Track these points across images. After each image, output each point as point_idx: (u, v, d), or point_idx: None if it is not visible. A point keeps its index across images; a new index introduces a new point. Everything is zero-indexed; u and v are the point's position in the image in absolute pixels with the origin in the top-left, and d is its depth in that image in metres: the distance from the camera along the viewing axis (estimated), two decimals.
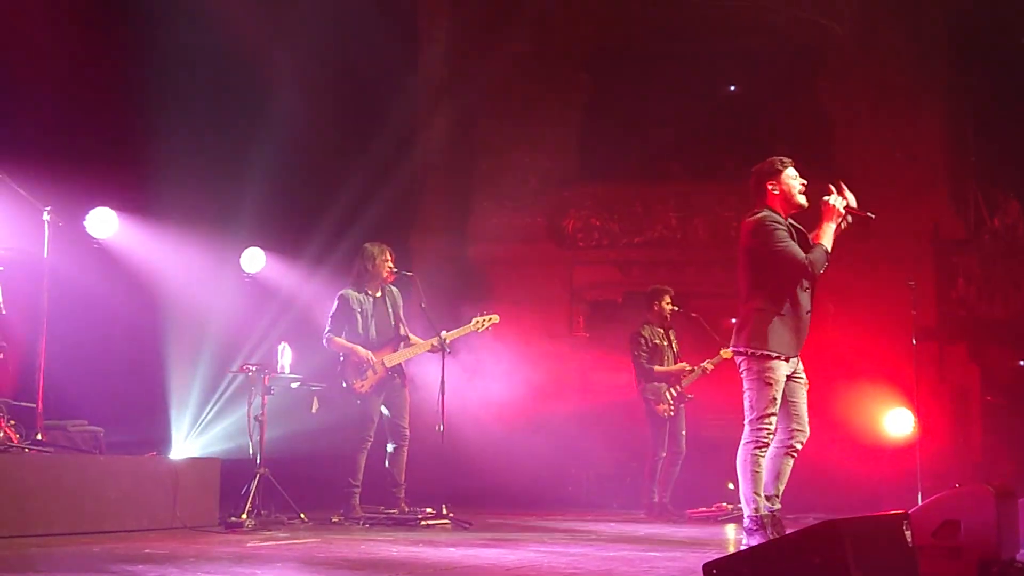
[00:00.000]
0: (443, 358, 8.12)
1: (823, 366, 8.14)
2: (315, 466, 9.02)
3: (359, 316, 8.26)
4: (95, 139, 9.19)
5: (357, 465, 8.15)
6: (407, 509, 8.07)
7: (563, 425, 11.54)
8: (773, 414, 5.64)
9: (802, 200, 5.82)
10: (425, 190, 13.42)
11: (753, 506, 5.61)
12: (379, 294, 8.41)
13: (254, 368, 7.89)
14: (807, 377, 5.88)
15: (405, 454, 8.28)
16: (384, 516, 7.93)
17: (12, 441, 6.76)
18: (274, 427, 8.16)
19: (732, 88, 13.93)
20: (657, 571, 5.12)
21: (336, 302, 8.35)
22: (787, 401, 5.72)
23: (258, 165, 10.67)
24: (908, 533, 4.13)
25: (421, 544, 6.39)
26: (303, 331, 9.17)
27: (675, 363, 9.57)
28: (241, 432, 8.18)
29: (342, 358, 8.25)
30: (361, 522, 7.80)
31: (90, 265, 8.49)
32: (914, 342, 9.11)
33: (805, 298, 5.74)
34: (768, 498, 5.63)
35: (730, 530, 8.21)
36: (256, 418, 7.77)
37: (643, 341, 9.50)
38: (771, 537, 5.32)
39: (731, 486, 8.94)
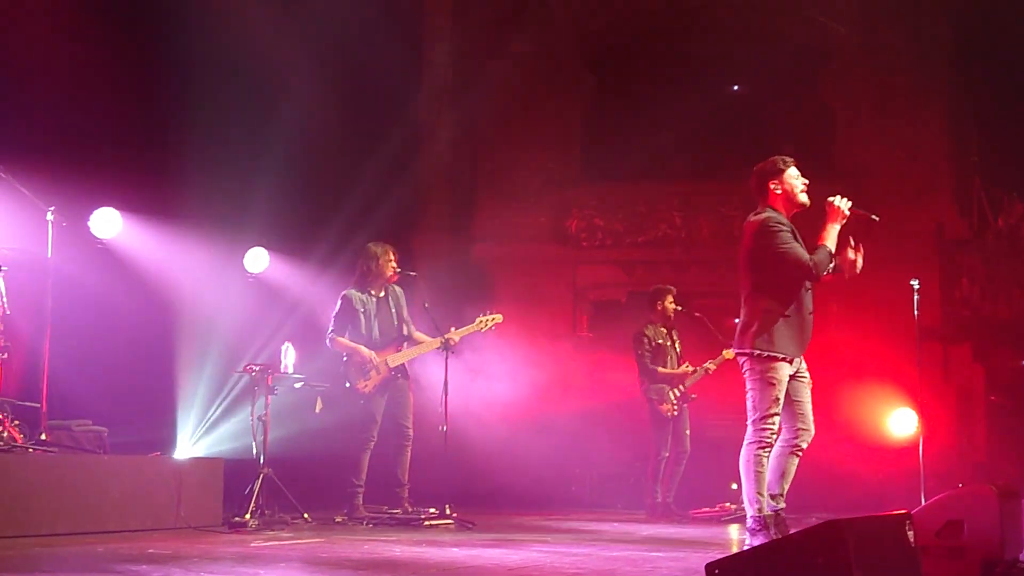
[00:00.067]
0: (447, 358, 8.13)
1: (827, 366, 8.15)
2: (318, 466, 9.03)
3: (362, 316, 8.26)
4: (99, 139, 9.20)
5: (360, 465, 8.15)
6: (410, 509, 8.07)
7: (566, 425, 11.53)
8: (776, 414, 5.64)
9: (804, 199, 5.83)
10: (429, 190, 13.43)
11: (756, 506, 5.61)
12: (382, 294, 8.40)
13: (258, 368, 7.90)
14: (811, 377, 5.88)
15: (409, 454, 8.27)
16: (387, 516, 7.94)
17: (16, 441, 6.78)
18: (278, 427, 8.17)
19: (735, 88, 13.94)
20: (660, 571, 5.12)
21: (339, 302, 8.35)
22: (791, 400, 5.72)
23: (262, 165, 10.68)
24: (911, 533, 4.13)
25: (424, 544, 6.39)
26: (307, 331, 9.17)
27: (678, 363, 9.58)
28: (245, 432, 8.19)
29: (345, 358, 8.25)
30: (364, 522, 7.80)
31: (94, 265, 8.49)
32: (918, 342, 9.10)
33: (808, 298, 5.76)
34: (773, 497, 5.63)
35: (733, 530, 8.20)
36: (260, 418, 7.77)
37: (646, 341, 9.50)
38: (774, 537, 5.32)
39: (734, 486, 8.93)
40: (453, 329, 8.24)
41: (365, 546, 6.23)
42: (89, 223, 8.42)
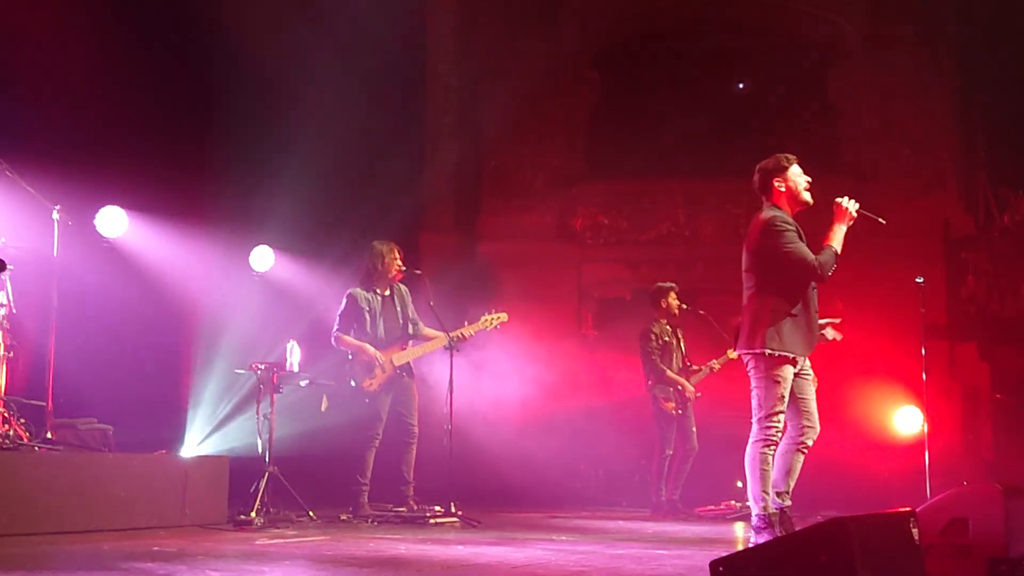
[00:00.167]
0: (451, 356, 8.13)
1: (832, 364, 8.15)
2: (324, 464, 9.03)
3: (367, 315, 8.27)
4: (105, 137, 9.21)
5: (366, 463, 8.15)
6: (416, 507, 8.08)
7: (571, 423, 11.53)
8: (781, 412, 5.65)
9: (808, 197, 5.83)
10: (434, 188, 13.43)
11: (761, 504, 5.61)
12: (388, 292, 8.41)
13: (263, 367, 7.90)
14: (816, 374, 5.89)
15: (414, 452, 8.28)
16: (393, 514, 7.95)
17: (22, 439, 6.79)
18: (283, 425, 8.17)
19: (740, 85, 13.92)
20: (665, 569, 5.12)
21: (344, 300, 8.36)
22: (796, 398, 5.73)
23: (266, 164, 10.69)
24: (915, 531, 4.12)
25: (429, 542, 6.40)
26: (312, 330, 9.18)
27: (683, 361, 9.61)
28: (250, 430, 8.20)
29: (351, 357, 8.26)
30: (370, 520, 7.81)
31: (100, 264, 8.51)
32: (923, 340, 9.09)
33: (814, 297, 5.76)
34: (779, 494, 5.64)
35: (738, 528, 8.21)
36: (265, 416, 7.78)
37: (653, 338, 9.51)
38: (779, 535, 5.32)
39: (739, 484, 8.94)
40: (467, 324, 8.25)
41: (370, 544, 6.24)
42: (95, 222, 8.44)
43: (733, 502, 9.35)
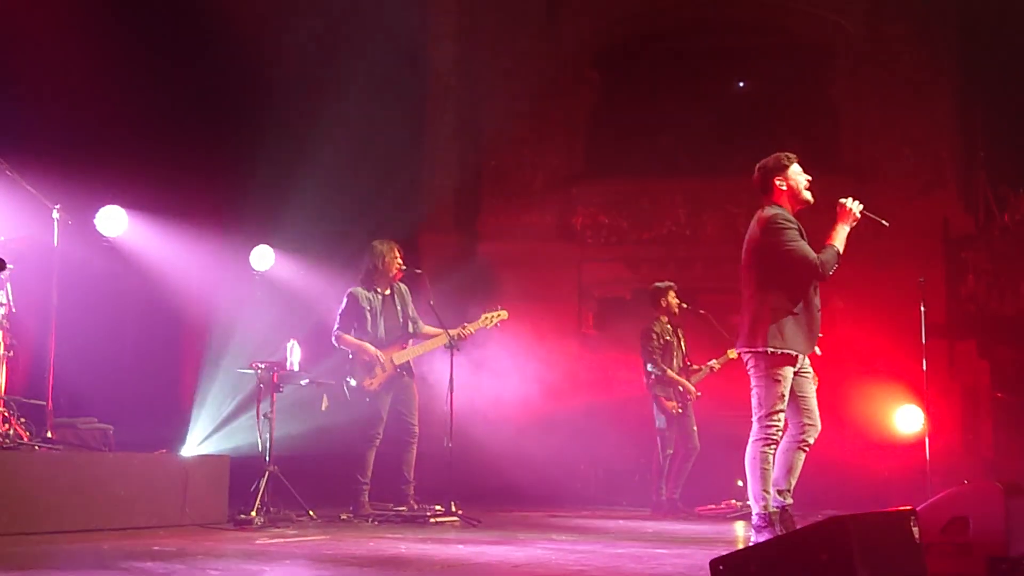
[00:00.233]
0: (452, 355, 8.13)
1: (833, 363, 8.14)
2: (324, 463, 9.03)
3: (368, 314, 8.27)
4: (105, 137, 9.22)
5: (366, 462, 8.15)
6: (416, 506, 8.07)
7: (572, 422, 11.54)
8: (781, 411, 5.65)
9: (808, 195, 5.84)
10: (434, 188, 13.43)
11: (762, 503, 5.61)
12: (388, 292, 8.41)
13: (263, 366, 7.91)
14: (817, 373, 5.89)
15: (414, 451, 8.28)
16: (393, 513, 7.95)
17: (22, 439, 6.79)
18: (283, 425, 8.17)
19: (740, 84, 13.92)
20: (665, 568, 5.12)
21: (345, 300, 8.36)
22: (796, 396, 5.73)
23: (267, 163, 10.69)
24: (916, 530, 4.12)
25: (430, 541, 6.40)
26: (312, 329, 9.18)
27: (684, 360, 9.61)
28: (251, 429, 8.20)
29: (351, 356, 8.26)
30: (370, 519, 7.81)
31: (100, 263, 8.51)
32: (923, 339, 9.09)
33: (815, 296, 5.77)
34: (780, 492, 5.64)
35: (739, 527, 8.21)
36: (265, 415, 7.78)
37: (655, 337, 9.50)
38: (779, 533, 5.32)
39: (740, 483, 8.93)
40: (467, 324, 8.26)
41: (370, 543, 6.24)
42: (95, 221, 8.44)
43: (733, 501, 9.35)
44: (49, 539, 6.00)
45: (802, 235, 5.74)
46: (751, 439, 5.69)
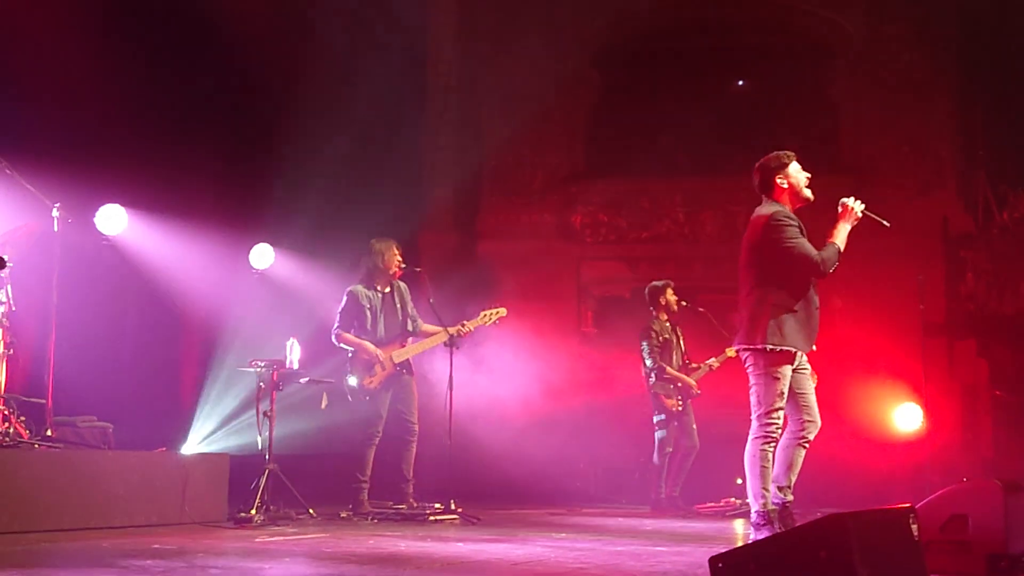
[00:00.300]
0: (451, 354, 8.14)
1: (832, 361, 8.15)
2: (324, 462, 9.04)
3: (368, 312, 8.28)
4: (105, 136, 9.23)
5: (365, 461, 8.15)
6: (415, 504, 8.08)
7: (571, 420, 11.54)
8: (781, 408, 5.65)
9: (808, 193, 5.85)
10: (434, 186, 13.43)
11: (761, 501, 5.61)
12: (388, 290, 8.42)
13: (263, 364, 7.91)
14: (816, 371, 5.90)
15: (414, 449, 8.28)
16: (392, 511, 7.95)
17: (22, 437, 6.80)
18: (283, 423, 8.18)
19: (740, 83, 13.92)
20: (664, 565, 5.12)
21: (345, 298, 8.36)
22: (795, 393, 5.73)
23: (267, 162, 10.70)
24: (915, 527, 4.12)
25: (429, 539, 6.40)
26: (312, 327, 9.18)
27: (683, 359, 9.62)
28: (250, 428, 8.20)
29: (351, 354, 8.26)
30: (369, 517, 7.81)
31: (100, 262, 8.51)
32: (923, 337, 9.10)
33: (815, 293, 5.78)
34: (780, 489, 5.64)
35: (738, 525, 8.21)
36: (265, 414, 7.78)
37: (654, 335, 9.51)
38: (778, 531, 5.33)
39: (739, 481, 8.94)
40: (467, 322, 8.26)
41: (370, 541, 6.24)
42: (95, 219, 8.44)
43: (733, 499, 9.35)
44: (49, 537, 6.00)
45: (803, 233, 5.75)
46: (750, 437, 5.69)
